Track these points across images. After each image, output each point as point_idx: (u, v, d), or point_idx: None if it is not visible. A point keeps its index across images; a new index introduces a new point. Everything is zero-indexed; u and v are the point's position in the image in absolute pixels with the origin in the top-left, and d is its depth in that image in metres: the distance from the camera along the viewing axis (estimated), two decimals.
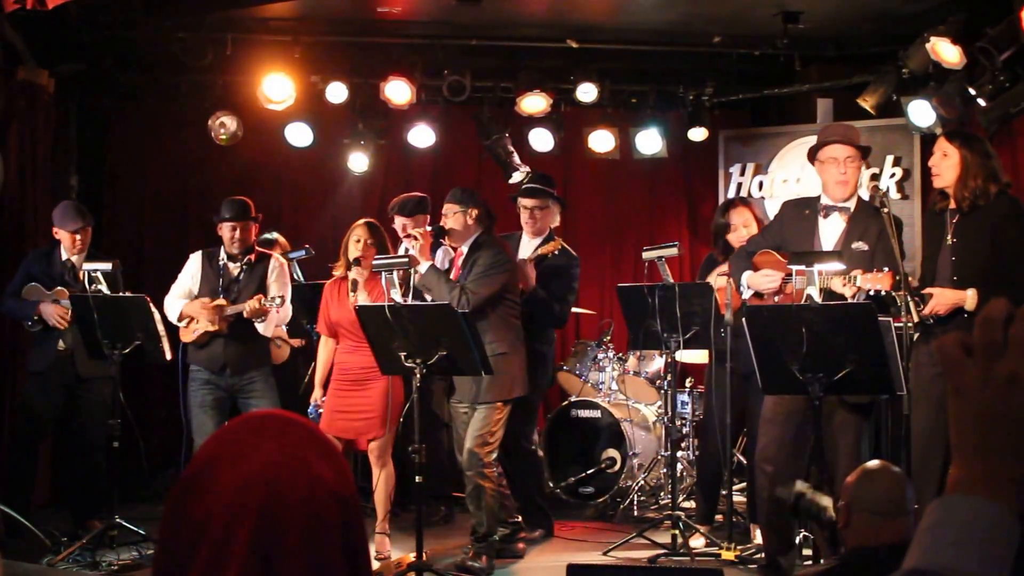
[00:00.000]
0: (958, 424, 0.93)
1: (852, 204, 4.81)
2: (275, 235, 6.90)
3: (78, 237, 5.83)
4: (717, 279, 5.63)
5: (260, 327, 5.63)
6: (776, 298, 4.84)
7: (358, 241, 5.50)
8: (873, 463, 2.96)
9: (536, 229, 5.97)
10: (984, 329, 0.92)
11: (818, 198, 4.93)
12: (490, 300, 5.27)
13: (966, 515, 0.91)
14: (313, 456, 1.14)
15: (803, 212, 4.92)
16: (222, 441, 1.17)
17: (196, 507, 1.10)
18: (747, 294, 4.97)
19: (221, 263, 5.79)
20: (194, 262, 5.86)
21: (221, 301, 5.67)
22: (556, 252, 5.85)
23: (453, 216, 5.41)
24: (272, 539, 1.07)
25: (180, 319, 5.72)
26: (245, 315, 5.57)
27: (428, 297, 5.30)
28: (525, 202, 5.96)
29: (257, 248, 5.91)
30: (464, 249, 5.46)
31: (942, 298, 4.63)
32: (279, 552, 1.07)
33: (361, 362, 5.43)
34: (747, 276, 4.94)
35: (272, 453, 1.12)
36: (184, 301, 5.74)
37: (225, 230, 5.76)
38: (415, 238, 5.32)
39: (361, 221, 5.62)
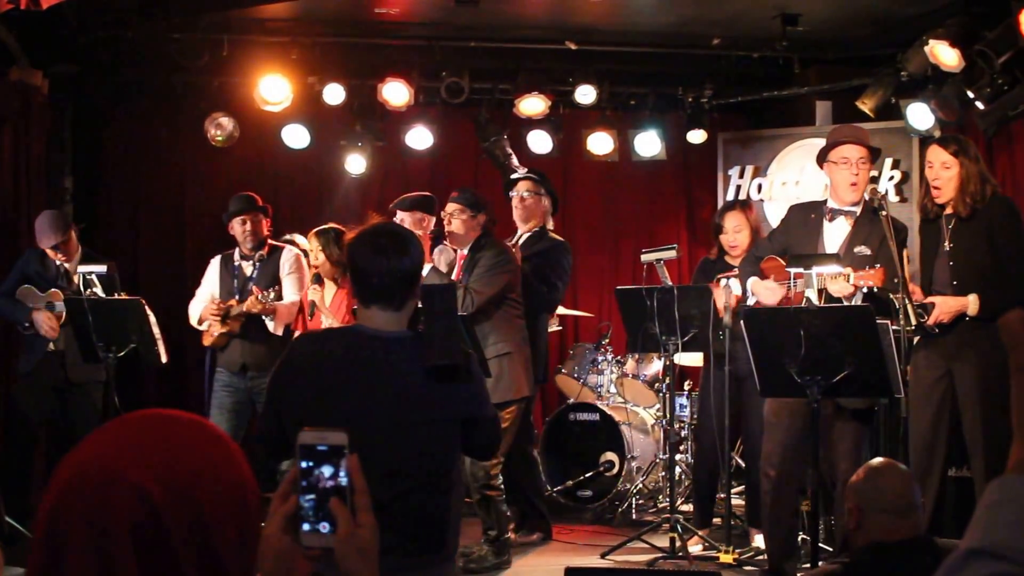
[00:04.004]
0: (1019, 403, 0.93)
1: (858, 208, 4.79)
2: (294, 236, 6.74)
3: (58, 252, 5.74)
4: (730, 282, 5.59)
5: (270, 325, 5.58)
6: None
7: (311, 252, 5.38)
8: (877, 461, 2.92)
9: (524, 215, 5.94)
10: None
11: (824, 202, 4.91)
12: (494, 300, 5.25)
13: None
14: (133, 460, 1.12)
15: (808, 216, 4.89)
16: (85, 439, 1.18)
17: (40, 502, 1.16)
18: (752, 300, 4.95)
19: (236, 264, 5.79)
20: (212, 267, 5.86)
21: (231, 302, 5.65)
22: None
23: (461, 220, 5.37)
24: (57, 541, 1.10)
25: (200, 323, 5.71)
26: (247, 311, 5.53)
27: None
28: (519, 186, 5.92)
29: (271, 242, 5.87)
30: (465, 251, 5.43)
31: (945, 306, 4.65)
32: (65, 553, 1.09)
33: None
34: (752, 283, 4.93)
35: (81, 457, 1.14)
36: (203, 305, 5.72)
37: (236, 225, 5.74)
38: None
39: (312, 232, 5.44)
